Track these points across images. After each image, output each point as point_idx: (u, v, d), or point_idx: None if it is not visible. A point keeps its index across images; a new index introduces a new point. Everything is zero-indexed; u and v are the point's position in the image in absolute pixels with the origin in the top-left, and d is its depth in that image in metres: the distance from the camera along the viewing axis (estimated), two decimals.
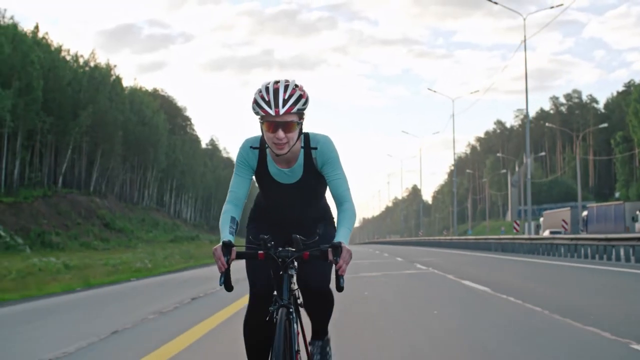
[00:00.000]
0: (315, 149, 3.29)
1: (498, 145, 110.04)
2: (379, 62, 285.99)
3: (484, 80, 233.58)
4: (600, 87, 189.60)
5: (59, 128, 57.00)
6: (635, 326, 6.05)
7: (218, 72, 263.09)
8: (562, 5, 30.38)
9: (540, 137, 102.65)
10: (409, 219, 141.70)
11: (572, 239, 20.01)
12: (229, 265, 3.06)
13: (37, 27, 60.58)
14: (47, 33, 61.65)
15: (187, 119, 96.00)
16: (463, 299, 9.30)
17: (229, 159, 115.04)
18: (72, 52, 65.63)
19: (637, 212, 41.72)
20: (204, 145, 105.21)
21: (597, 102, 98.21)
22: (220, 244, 3.06)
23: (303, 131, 3.27)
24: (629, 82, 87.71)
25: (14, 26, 54.96)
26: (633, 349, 5.02)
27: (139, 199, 75.43)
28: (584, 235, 21.53)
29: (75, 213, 55.85)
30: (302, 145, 3.30)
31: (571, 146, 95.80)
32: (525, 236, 27.19)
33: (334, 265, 3.05)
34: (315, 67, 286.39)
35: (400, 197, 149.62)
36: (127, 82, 75.34)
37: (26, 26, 55.97)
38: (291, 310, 3.15)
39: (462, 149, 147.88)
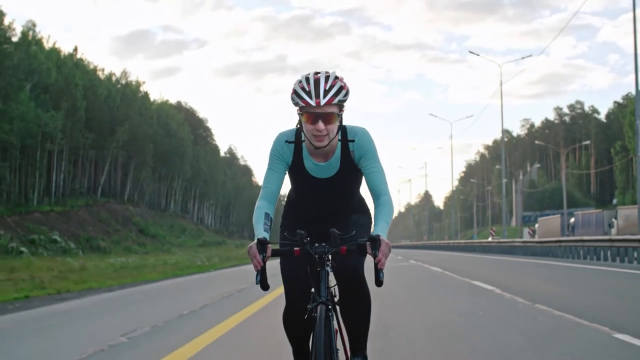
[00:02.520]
0: (353, 141, 3.29)
1: (506, 153, 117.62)
2: (392, 67, 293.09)
3: (496, 85, 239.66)
4: (614, 90, 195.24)
5: (99, 143, 64.95)
6: (522, 290, 13.67)
7: (232, 78, 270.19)
8: (531, 55, 37.90)
9: (545, 147, 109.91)
10: (420, 224, 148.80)
11: (523, 242, 28.08)
12: (264, 263, 3.08)
13: (75, 49, 68.40)
14: (83, 54, 69.71)
15: (208, 129, 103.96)
16: (424, 273, 17.18)
17: (246, 167, 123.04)
18: (106, 72, 73.76)
19: (613, 219, 49.00)
20: (222, 154, 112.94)
21: (598, 112, 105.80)
22: (255, 241, 3.08)
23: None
24: (627, 95, 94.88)
25: (57, 50, 62.74)
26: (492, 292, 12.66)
27: (166, 206, 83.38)
28: (531, 239, 29.37)
29: (114, 220, 63.76)
30: (339, 137, 3.29)
31: (574, 155, 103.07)
32: (495, 240, 35.26)
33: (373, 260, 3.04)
34: None
35: (412, 203, 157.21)
36: (150, 95, 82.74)
37: (42, 32, 62.49)
38: (330, 307, 3.16)
39: (473, 156, 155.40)
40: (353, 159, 3.32)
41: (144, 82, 79.17)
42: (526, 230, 63.32)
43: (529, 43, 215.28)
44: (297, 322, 3.35)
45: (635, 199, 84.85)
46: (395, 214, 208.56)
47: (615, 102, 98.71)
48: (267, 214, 3.22)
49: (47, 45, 61.55)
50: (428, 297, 10.74)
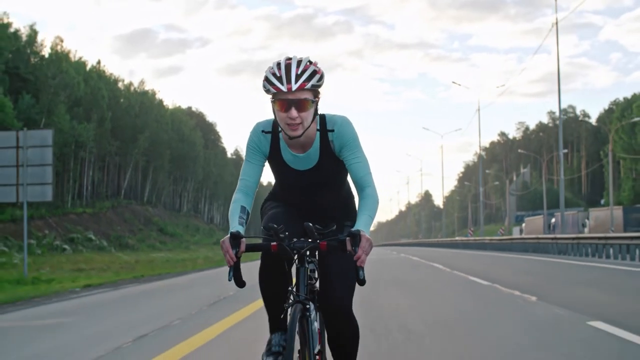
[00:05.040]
0: (332, 131, 3.25)
1: (502, 155, 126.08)
2: (394, 66, 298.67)
3: (499, 83, 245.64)
4: (617, 89, 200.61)
5: (122, 150, 73.17)
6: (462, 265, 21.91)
7: (234, 77, 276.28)
8: (504, 85, 45.98)
9: (540, 148, 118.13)
10: (420, 224, 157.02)
11: (490, 239, 36.48)
12: (238, 258, 3.02)
13: (99, 62, 76.22)
14: (105, 65, 77.60)
15: (217, 133, 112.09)
16: (409, 262, 25.24)
17: None
18: (125, 82, 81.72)
19: (586, 220, 57.07)
20: (229, 155, 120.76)
21: (589, 116, 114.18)
22: (228, 235, 3.03)
23: (319, 113, 3.24)
24: (615, 101, 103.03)
25: (83, 63, 70.50)
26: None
27: (179, 207, 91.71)
28: (496, 237, 37.77)
29: (137, 220, 71.90)
30: (318, 127, 3.26)
31: (567, 157, 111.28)
32: (472, 238, 43.74)
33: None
34: (331, 71, 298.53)
35: (412, 202, 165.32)
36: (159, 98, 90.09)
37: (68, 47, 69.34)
38: (308, 306, 3.13)
39: (472, 156, 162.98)
40: (333, 150, 3.28)
41: (159, 91, 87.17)
42: (517, 229, 71.72)
43: (531, 41, 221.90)
44: (274, 277, 3.33)
45: (621, 199, 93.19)
46: (396, 212, 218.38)
47: (604, 108, 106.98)
48: (243, 208, 3.21)
49: (72, 57, 68.93)
50: (402, 268, 18.97)
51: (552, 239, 25.98)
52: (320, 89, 3.17)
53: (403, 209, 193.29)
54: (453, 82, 47.26)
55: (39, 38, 61.99)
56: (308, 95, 3.11)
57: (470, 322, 7.57)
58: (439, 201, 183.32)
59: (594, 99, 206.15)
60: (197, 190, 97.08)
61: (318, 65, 3.16)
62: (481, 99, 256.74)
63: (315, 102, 3.15)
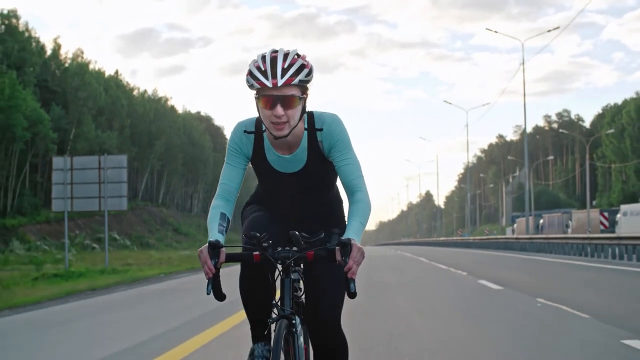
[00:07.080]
0: (321, 130, 3.11)
1: (500, 157, 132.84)
2: (397, 65, 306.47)
3: (501, 83, 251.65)
4: (619, 88, 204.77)
5: (140, 155, 79.84)
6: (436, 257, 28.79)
7: (237, 76, 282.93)
8: (489, 103, 52.56)
9: (536, 150, 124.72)
10: (420, 223, 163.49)
11: (474, 238, 43.32)
12: (217, 269, 2.91)
13: (117, 72, 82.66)
14: (120, 74, 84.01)
15: (224, 136, 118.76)
16: (402, 257, 32.15)
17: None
18: (141, 90, 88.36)
19: (569, 221, 63.69)
20: None
21: (583, 120, 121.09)
22: (207, 244, 2.92)
23: (307, 110, 3.10)
24: (606, 106, 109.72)
25: (102, 73, 76.80)
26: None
27: (191, 207, 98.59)
28: (477, 237, 44.66)
29: (154, 221, 78.62)
30: (306, 126, 3.12)
31: (561, 159, 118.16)
32: (459, 238, 50.68)
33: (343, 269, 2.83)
34: (333, 70, 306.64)
35: (414, 202, 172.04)
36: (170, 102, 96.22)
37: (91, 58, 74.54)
38: (294, 321, 3.02)
39: (471, 158, 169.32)
40: (322, 151, 3.13)
41: (171, 97, 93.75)
42: (510, 229, 78.33)
43: (534, 41, 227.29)
44: (256, 331, 3.26)
45: (612, 201, 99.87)
46: (397, 212, 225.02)
47: (597, 112, 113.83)
48: (223, 215, 3.09)
49: (94, 67, 74.90)
50: (395, 261, 25.79)
51: (516, 238, 33.01)
52: (308, 85, 3.02)
53: (405, 208, 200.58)
54: (445, 101, 53.85)
55: (62, 51, 68.72)
56: (295, 92, 2.95)
57: (424, 284, 14.42)
58: (440, 201, 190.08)
59: (596, 98, 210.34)
60: (207, 191, 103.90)
61: (307, 59, 3.00)
62: (483, 98, 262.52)
63: (303, 99, 3.00)
